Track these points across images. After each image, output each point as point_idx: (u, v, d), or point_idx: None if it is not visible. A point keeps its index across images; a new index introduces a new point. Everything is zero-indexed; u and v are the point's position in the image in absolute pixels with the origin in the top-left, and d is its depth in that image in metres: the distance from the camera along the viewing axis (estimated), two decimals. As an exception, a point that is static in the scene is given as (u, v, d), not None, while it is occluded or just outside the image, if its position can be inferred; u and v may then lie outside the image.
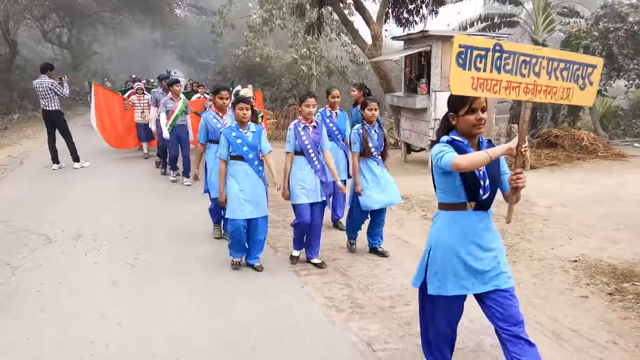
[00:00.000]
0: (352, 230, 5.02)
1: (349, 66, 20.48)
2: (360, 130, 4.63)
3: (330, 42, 19.80)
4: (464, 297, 2.56)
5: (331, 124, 5.49)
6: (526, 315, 2.89)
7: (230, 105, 5.15)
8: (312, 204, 4.45)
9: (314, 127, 4.46)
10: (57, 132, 8.88)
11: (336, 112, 5.63)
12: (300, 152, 4.42)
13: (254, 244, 4.49)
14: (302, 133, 4.39)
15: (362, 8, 10.76)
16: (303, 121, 4.42)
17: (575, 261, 4.57)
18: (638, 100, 13.12)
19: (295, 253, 4.74)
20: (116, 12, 27.98)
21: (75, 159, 9.08)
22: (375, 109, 4.63)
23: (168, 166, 8.34)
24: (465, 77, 2.13)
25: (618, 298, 3.82)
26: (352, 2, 11.15)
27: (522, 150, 2.23)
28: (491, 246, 2.48)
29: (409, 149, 9.70)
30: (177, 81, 7.81)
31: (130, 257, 4.80)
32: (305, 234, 4.62)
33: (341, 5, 11.08)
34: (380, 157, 4.73)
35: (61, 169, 8.92)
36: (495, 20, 14.78)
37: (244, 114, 4.27)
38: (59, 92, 8.68)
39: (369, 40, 11.47)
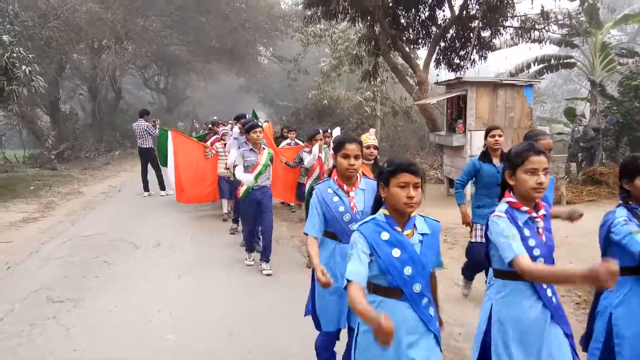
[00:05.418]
0: None
1: (412, 106, 21.55)
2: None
3: (395, 84, 21.09)
4: None
5: None
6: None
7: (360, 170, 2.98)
8: None
9: (544, 215, 2.31)
10: (149, 166, 10.72)
11: None
12: (510, 272, 2.18)
13: None
14: (527, 233, 2.22)
15: (408, 57, 11.90)
16: (524, 208, 2.24)
17: (563, 278, 5.19)
18: None
19: None
20: (207, 61, 31.21)
21: (162, 188, 10.79)
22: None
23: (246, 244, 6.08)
24: None
25: (582, 306, 4.48)
26: (399, 53, 12.36)
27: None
28: None
29: (451, 183, 10.44)
30: (256, 125, 5.52)
31: (194, 260, 6.11)
32: None
33: (391, 55, 12.29)
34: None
35: (150, 196, 10.67)
36: (552, 62, 15.18)
37: (410, 199, 2.06)
38: (152, 133, 10.57)
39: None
